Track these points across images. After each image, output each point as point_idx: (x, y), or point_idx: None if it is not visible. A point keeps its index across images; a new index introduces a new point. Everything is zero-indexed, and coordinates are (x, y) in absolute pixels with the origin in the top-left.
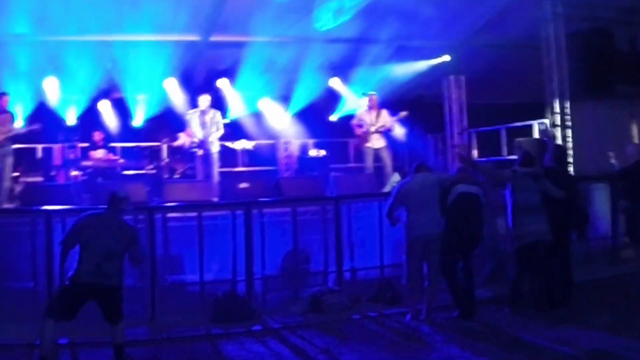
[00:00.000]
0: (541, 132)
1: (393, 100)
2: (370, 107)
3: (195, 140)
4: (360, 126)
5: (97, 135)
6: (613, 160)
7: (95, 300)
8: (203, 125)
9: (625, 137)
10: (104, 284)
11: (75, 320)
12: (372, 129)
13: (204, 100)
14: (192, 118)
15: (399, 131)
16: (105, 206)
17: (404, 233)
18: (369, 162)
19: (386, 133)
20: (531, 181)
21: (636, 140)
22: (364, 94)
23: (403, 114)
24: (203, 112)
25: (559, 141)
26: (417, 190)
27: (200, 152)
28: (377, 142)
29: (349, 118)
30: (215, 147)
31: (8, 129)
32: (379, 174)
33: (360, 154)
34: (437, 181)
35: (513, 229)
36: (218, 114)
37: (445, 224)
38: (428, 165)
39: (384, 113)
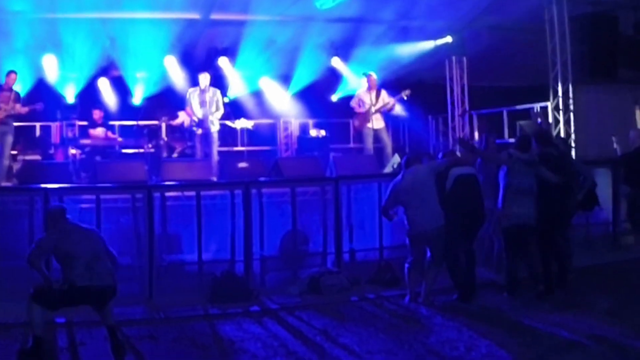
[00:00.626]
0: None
1: (394, 81)
2: (369, 88)
3: (195, 119)
4: (359, 106)
5: (97, 114)
6: (615, 145)
7: (88, 304)
8: (203, 103)
9: (628, 122)
10: (100, 285)
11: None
12: (372, 109)
13: (204, 78)
14: (192, 96)
15: (400, 111)
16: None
17: (406, 228)
18: (369, 143)
19: (386, 114)
20: (523, 166)
21: (639, 126)
22: (365, 74)
23: (406, 92)
24: (203, 91)
25: (561, 125)
26: (411, 187)
27: (199, 131)
28: (376, 122)
29: (349, 98)
30: (215, 127)
31: (12, 107)
32: (379, 154)
33: (360, 135)
34: (428, 172)
35: (501, 208)
36: (218, 92)
37: (447, 208)
38: (418, 156)
39: (384, 93)
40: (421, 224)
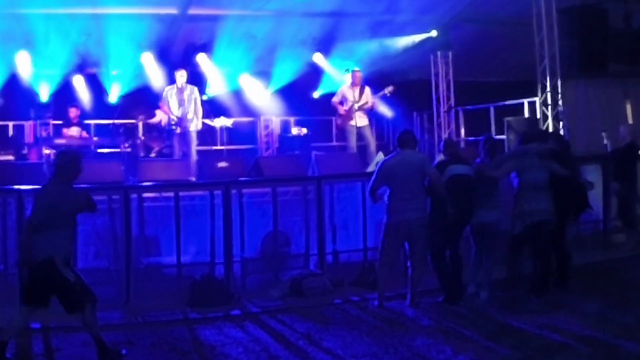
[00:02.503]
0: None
1: (378, 77)
2: (353, 84)
3: (173, 117)
4: (342, 103)
5: (73, 112)
6: (606, 141)
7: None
8: (180, 102)
9: (619, 117)
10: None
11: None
12: (356, 106)
13: (181, 76)
14: (169, 95)
15: (384, 108)
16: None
17: (385, 217)
18: (352, 141)
19: (369, 111)
20: (536, 159)
21: (630, 121)
22: (347, 70)
23: (389, 89)
24: (180, 89)
25: (549, 121)
26: (401, 170)
27: (177, 129)
28: (360, 120)
29: (331, 95)
30: (194, 126)
31: None
32: (363, 153)
33: (342, 133)
34: (420, 164)
35: (517, 207)
36: (196, 90)
37: (437, 205)
38: (415, 137)
39: (367, 90)
40: (403, 212)
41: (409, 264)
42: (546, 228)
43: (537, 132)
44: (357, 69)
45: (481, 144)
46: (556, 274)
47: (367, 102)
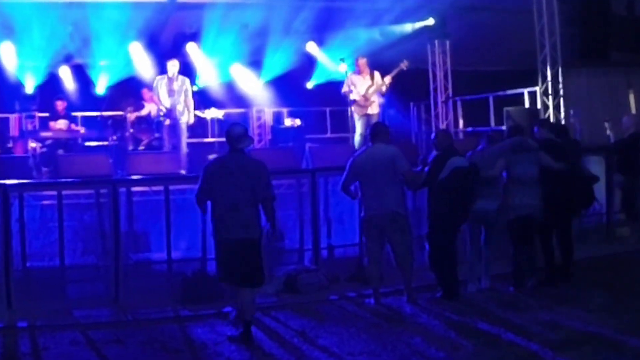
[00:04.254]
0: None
1: (373, 67)
2: (359, 72)
3: (162, 108)
4: (352, 92)
5: (60, 105)
6: (608, 132)
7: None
8: (171, 92)
9: (622, 107)
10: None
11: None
12: (370, 90)
13: (173, 66)
14: (160, 85)
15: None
16: None
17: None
18: (361, 130)
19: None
20: (526, 153)
21: (633, 111)
22: (342, 60)
23: (405, 63)
24: (171, 79)
25: (550, 111)
26: (371, 166)
27: (167, 121)
28: (374, 107)
29: (325, 85)
30: (185, 118)
31: None
32: (363, 142)
33: (341, 123)
34: (391, 159)
35: (505, 200)
36: (187, 81)
37: (435, 199)
38: (387, 130)
39: (377, 75)
40: (375, 206)
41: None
42: (531, 223)
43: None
44: (360, 56)
45: (486, 138)
46: (560, 268)
47: (380, 86)
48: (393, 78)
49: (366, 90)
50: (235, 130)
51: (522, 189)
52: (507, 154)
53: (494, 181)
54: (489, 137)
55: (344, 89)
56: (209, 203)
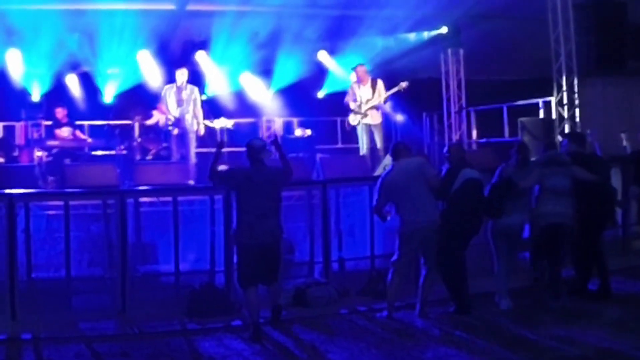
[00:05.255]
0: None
1: (385, 76)
2: (359, 80)
3: (171, 117)
4: (354, 101)
5: (60, 112)
6: (625, 142)
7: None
8: (179, 102)
9: (638, 116)
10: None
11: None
12: (367, 103)
13: (181, 75)
14: (168, 94)
15: (398, 115)
16: None
17: (398, 226)
18: (364, 142)
19: (381, 108)
20: (559, 166)
21: None
22: (353, 69)
23: (403, 85)
24: (179, 88)
25: (565, 121)
26: (403, 181)
27: (175, 131)
28: (373, 117)
29: (336, 95)
30: (194, 127)
31: None
32: (372, 154)
33: (350, 133)
34: (420, 168)
35: (535, 208)
36: (196, 90)
37: (447, 211)
38: (407, 146)
39: (380, 85)
40: (417, 220)
41: (423, 271)
42: (562, 232)
43: (570, 136)
44: (361, 64)
45: (515, 150)
46: (598, 282)
47: (379, 99)
48: (388, 96)
49: (365, 100)
50: (257, 143)
51: (555, 198)
52: (541, 167)
53: (521, 195)
54: (520, 158)
55: (347, 98)
56: (234, 211)
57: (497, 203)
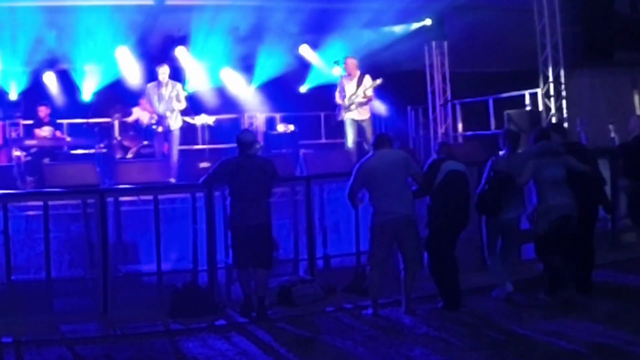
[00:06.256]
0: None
1: (368, 70)
2: (348, 75)
3: (154, 116)
4: (343, 97)
5: (43, 111)
6: (613, 134)
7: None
8: (160, 98)
9: (626, 108)
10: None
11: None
12: (353, 98)
13: (163, 71)
14: (151, 91)
15: (378, 104)
16: None
17: (370, 217)
18: (350, 136)
19: (369, 103)
20: (553, 156)
21: (638, 112)
22: (336, 63)
23: (376, 82)
24: (160, 84)
25: (552, 113)
26: (382, 169)
27: (159, 128)
28: (359, 113)
29: (319, 89)
30: (176, 123)
31: None
32: (359, 149)
33: (341, 127)
34: (403, 162)
35: (540, 204)
36: (178, 86)
37: (433, 204)
38: (391, 138)
39: (366, 80)
40: (390, 211)
41: (401, 267)
42: (570, 223)
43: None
44: (349, 56)
45: (503, 138)
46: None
47: (367, 94)
48: (371, 93)
49: (349, 95)
50: (247, 137)
51: (556, 189)
52: (535, 158)
53: (517, 190)
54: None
55: (337, 93)
56: (228, 192)
57: (495, 201)
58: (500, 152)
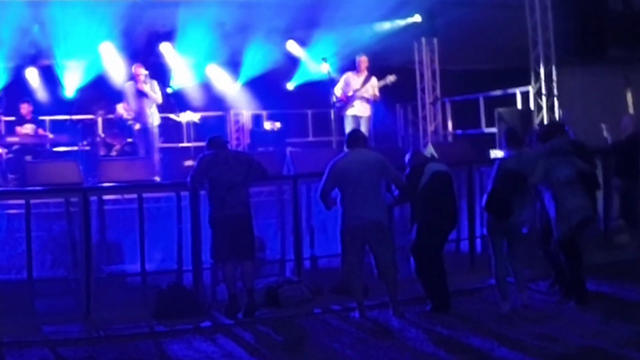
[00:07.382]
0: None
1: (355, 67)
2: (358, 70)
3: (131, 113)
4: (345, 91)
5: (25, 108)
6: (606, 133)
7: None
8: (139, 95)
9: (619, 106)
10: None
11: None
12: (357, 93)
13: (140, 71)
14: (129, 90)
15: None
16: None
17: (339, 219)
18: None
19: (372, 102)
20: (563, 156)
21: (631, 110)
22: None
23: (391, 78)
24: (138, 82)
25: (544, 111)
26: (355, 170)
27: (137, 125)
28: (361, 109)
29: (307, 86)
30: (155, 120)
31: None
32: None
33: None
34: (379, 165)
35: (559, 207)
36: (155, 83)
37: (419, 206)
38: (365, 138)
39: (373, 80)
40: (358, 216)
41: (375, 273)
42: (590, 226)
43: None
44: (362, 55)
45: (505, 138)
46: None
47: (370, 92)
48: (379, 91)
49: (353, 89)
50: (220, 140)
51: (572, 191)
52: (546, 158)
53: (526, 191)
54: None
55: (337, 86)
56: (206, 187)
57: (508, 201)
58: (500, 152)
